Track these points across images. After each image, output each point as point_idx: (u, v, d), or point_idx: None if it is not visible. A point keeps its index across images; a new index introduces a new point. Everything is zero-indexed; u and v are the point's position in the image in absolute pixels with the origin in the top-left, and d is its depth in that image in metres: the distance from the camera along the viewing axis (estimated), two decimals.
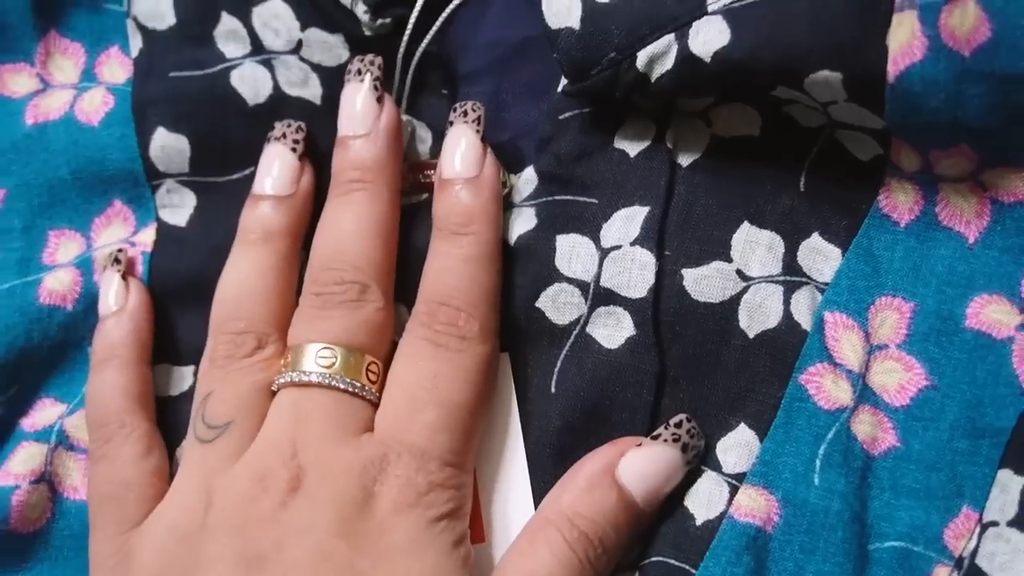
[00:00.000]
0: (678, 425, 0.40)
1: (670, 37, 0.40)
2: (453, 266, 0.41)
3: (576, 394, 0.42)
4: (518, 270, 0.45)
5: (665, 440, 0.40)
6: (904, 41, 0.37)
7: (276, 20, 0.49)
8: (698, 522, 0.42)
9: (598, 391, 0.41)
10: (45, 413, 0.47)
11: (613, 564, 0.40)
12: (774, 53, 0.39)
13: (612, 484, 0.40)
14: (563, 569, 0.38)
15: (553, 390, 0.43)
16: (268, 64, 0.48)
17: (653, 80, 0.41)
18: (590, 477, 0.40)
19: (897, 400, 0.41)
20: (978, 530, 0.39)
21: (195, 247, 0.48)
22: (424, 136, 0.49)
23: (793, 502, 0.41)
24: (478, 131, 0.42)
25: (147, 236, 0.48)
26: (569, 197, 0.45)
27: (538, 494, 0.44)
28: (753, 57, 0.39)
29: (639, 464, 0.40)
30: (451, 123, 0.43)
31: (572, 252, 0.44)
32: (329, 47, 0.49)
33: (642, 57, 0.40)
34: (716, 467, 0.42)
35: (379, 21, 0.47)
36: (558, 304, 0.44)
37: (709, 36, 0.39)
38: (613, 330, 0.43)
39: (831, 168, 0.43)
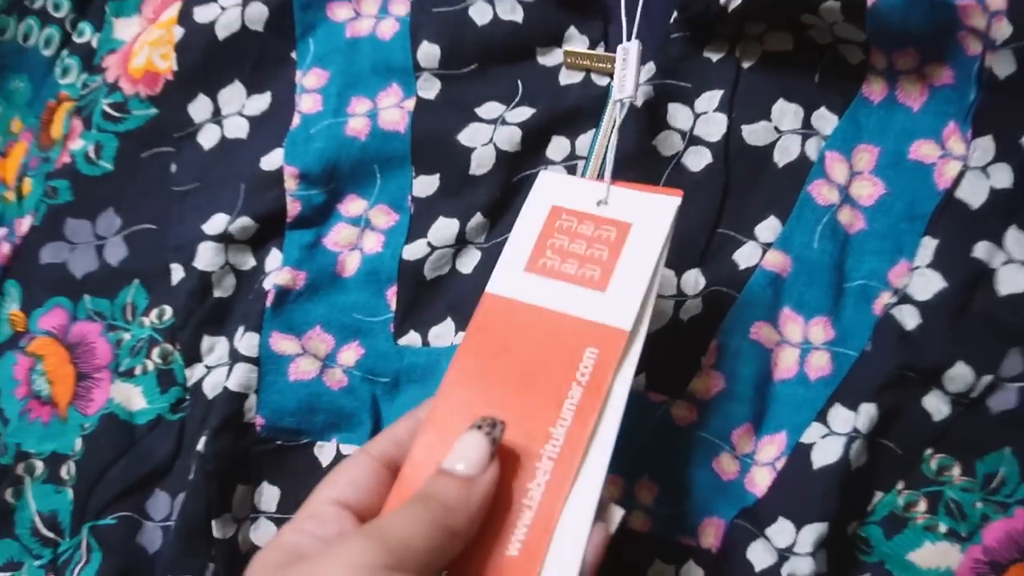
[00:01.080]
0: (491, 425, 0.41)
1: None
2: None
3: None
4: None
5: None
6: None
7: None
8: (740, 268, 0.53)
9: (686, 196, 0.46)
10: (354, 205, 0.57)
11: None
12: None
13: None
14: None
15: None
16: (490, 1, 0.57)
17: (730, 11, 0.51)
18: None
19: (866, 202, 0.53)
20: (909, 272, 0.51)
21: (440, 111, 0.57)
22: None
23: (800, 259, 0.52)
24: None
25: (410, 103, 0.57)
26: (674, 82, 0.55)
27: None
28: None
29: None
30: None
31: (676, 112, 0.54)
32: None
33: None
34: (753, 239, 0.53)
35: None
36: (663, 144, 0.54)
37: None
38: (699, 158, 0.54)
39: (834, 69, 0.54)
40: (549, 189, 0.49)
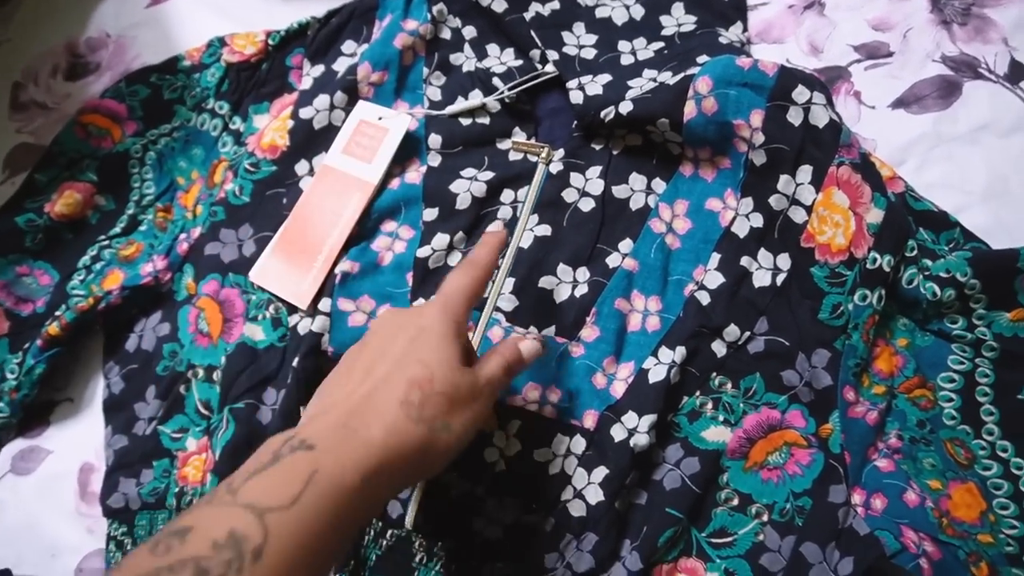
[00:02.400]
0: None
1: (613, 108, 0.47)
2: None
3: None
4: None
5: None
6: (688, 110, 0.45)
7: None
8: (610, 267, 0.48)
9: None
10: (388, 226, 0.52)
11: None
12: (645, 113, 0.47)
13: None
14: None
15: None
16: (471, 115, 0.52)
17: (606, 122, 0.48)
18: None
19: (681, 232, 0.48)
20: (704, 272, 0.47)
21: (440, 173, 0.52)
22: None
23: (643, 263, 0.48)
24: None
25: (424, 168, 0.52)
26: (574, 159, 0.50)
27: None
28: (639, 113, 0.47)
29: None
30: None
31: (574, 178, 0.50)
32: None
33: (601, 114, 0.48)
34: (617, 250, 0.49)
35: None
36: (567, 195, 0.49)
37: (627, 107, 0.47)
38: (587, 204, 0.49)
39: (665, 156, 0.49)
40: (360, 111, 0.52)
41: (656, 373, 0.44)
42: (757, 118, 0.45)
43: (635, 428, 0.43)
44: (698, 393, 0.45)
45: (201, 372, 0.50)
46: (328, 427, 0.30)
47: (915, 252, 0.43)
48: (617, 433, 0.43)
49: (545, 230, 0.49)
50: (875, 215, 0.42)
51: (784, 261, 0.46)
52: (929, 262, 0.43)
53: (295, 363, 0.46)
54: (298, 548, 0.26)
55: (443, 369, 0.33)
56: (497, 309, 0.47)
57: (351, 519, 0.29)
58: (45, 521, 0.49)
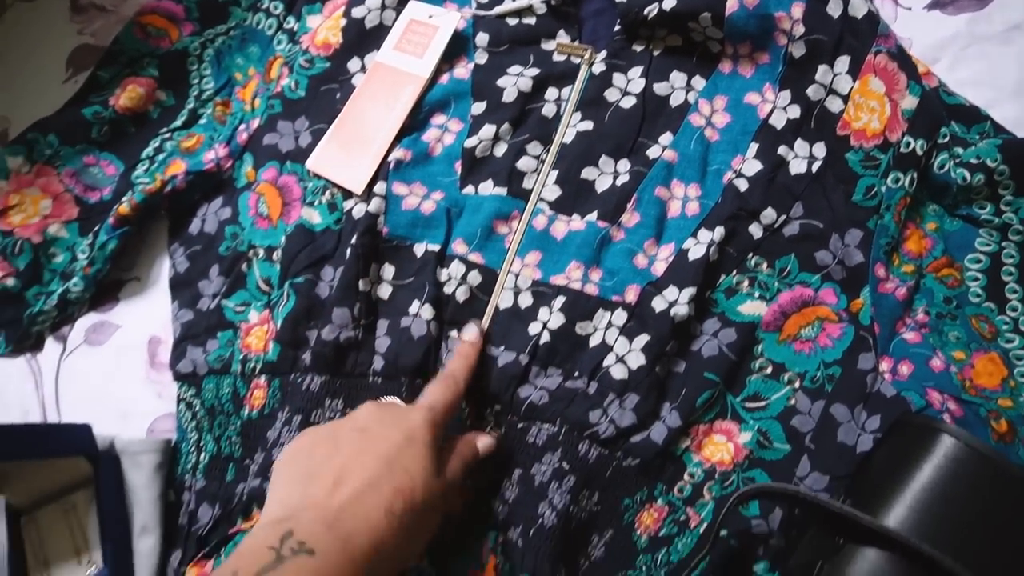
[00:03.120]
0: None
1: (656, 4, 0.48)
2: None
3: None
4: None
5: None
6: (730, 4, 0.46)
7: None
8: (650, 158, 0.49)
9: None
10: (438, 118, 0.52)
11: None
12: (688, 8, 0.48)
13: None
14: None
15: None
16: (518, 15, 0.53)
17: (649, 20, 0.49)
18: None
19: (720, 125, 0.49)
20: (743, 161, 0.48)
21: (487, 70, 0.53)
22: None
23: (683, 154, 0.49)
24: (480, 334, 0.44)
25: (471, 65, 0.53)
26: (616, 60, 0.51)
27: None
28: (682, 9, 0.48)
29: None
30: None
31: (616, 78, 0.51)
32: None
33: (645, 11, 0.48)
34: (657, 143, 0.50)
35: None
36: (609, 94, 0.50)
37: (670, 3, 0.48)
38: (629, 101, 0.50)
39: (705, 54, 0.50)
40: (411, 11, 0.54)
41: (695, 252, 0.46)
42: (798, 10, 0.46)
43: (675, 300, 0.45)
44: (735, 272, 0.46)
45: (262, 252, 0.51)
46: (320, 529, 0.30)
47: (947, 139, 0.44)
48: (658, 304, 0.45)
49: (587, 126, 0.50)
50: (910, 101, 0.44)
51: (820, 150, 0.47)
52: (960, 149, 0.44)
53: (353, 240, 0.48)
54: None
55: (425, 480, 0.34)
56: (541, 199, 0.48)
57: None
58: (118, 388, 0.52)
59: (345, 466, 0.33)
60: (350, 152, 0.51)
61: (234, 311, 0.51)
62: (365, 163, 0.51)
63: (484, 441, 0.41)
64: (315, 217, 0.51)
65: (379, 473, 0.33)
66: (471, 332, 0.44)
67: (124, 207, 0.52)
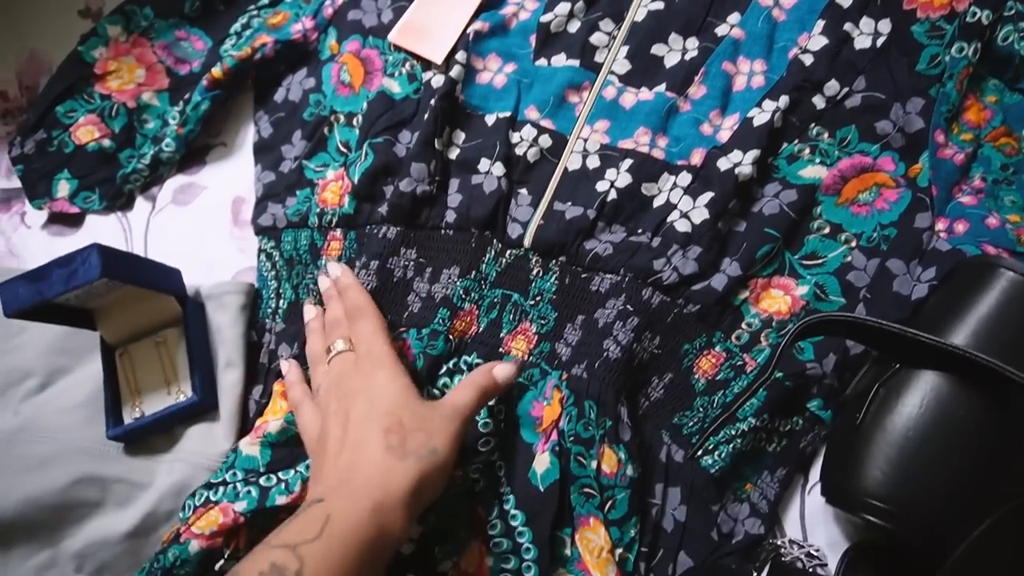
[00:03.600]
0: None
1: None
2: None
3: None
4: None
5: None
6: None
7: None
8: (719, 35, 0.51)
9: None
10: None
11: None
12: None
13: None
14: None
15: None
16: None
17: None
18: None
19: (787, 6, 0.51)
20: (808, 38, 0.50)
21: None
22: None
23: (750, 32, 0.50)
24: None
25: None
26: None
27: None
28: None
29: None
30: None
31: None
32: None
33: None
34: (726, 22, 0.51)
35: None
36: None
37: None
38: None
39: None
40: None
41: (760, 119, 0.47)
42: None
43: (740, 161, 0.46)
44: (796, 141, 0.47)
45: (342, 118, 0.53)
46: (329, 489, 0.33)
47: (1012, 12, 0.45)
48: (723, 164, 0.46)
49: (658, 5, 0.51)
50: None
51: (885, 26, 0.48)
52: None
53: (432, 101, 0.50)
54: (330, 571, 0.29)
55: (407, 410, 0.36)
56: (612, 72, 0.50)
57: (374, 550, 0.31)
58: (203, 244, 0.54)
59: (335, 443, 0.36)
60: (431, 25, 0.53)
61: (314, 171, 0.53)
62: (446, 35, 0.53)
63: (502, 369, 0.41)
64: (395, 87, 0.52)
65: (362, 432, 0.35)
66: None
67: (216, 71, 0.54)
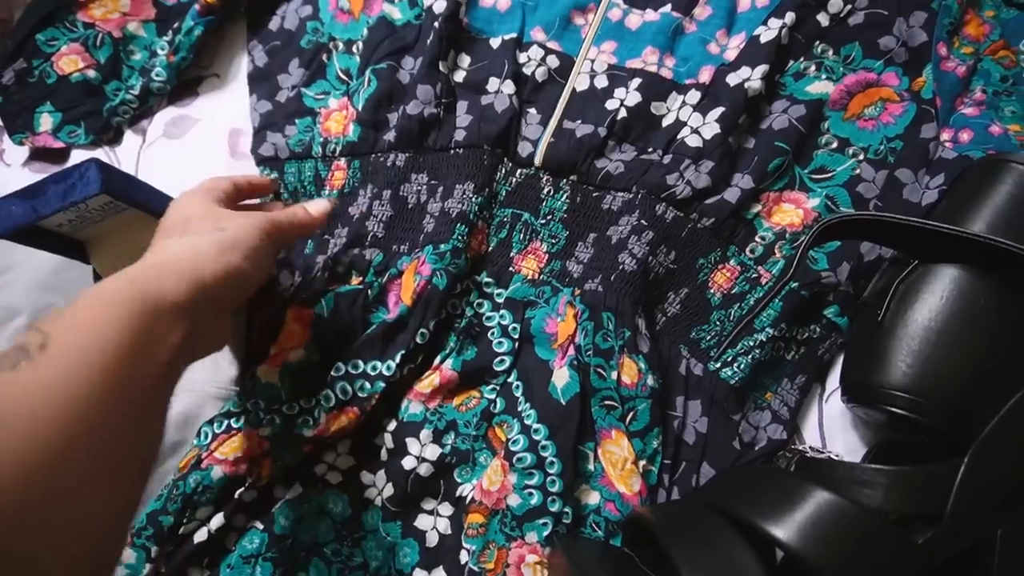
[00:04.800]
0: None
1: None
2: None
3: None
4: None
5: None
6: None
7: None
8: None
9: None
10: None
11: None
12: None
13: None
14: None
15: None
16: None
17: None
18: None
19: None
20: None
21: None
22: None
23: None
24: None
25: None
26: None
27: None
28: None
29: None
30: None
31: None
32: None
33: None
34: None
35: None
36: None
37: None
38: None
39: None
40: None
41: (767, 36, 0.47)
42: None
43: (749, 77, 0.45)
44: (802, 58, 0.47)
45: (341, 44, 0.51)
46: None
47: None
48: (732, 80, 0.46)
49: None
50: None
51: None
52: None
53: (435, 24, 0.48)
54: (78, 345, 0.24)
55: (198, 213, 0.34)
56: None
57: (133, 318, 0.27)
58: (198, 177, 0.50)
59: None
60: None
61: (314, 99, 0.51)
62: None
63: (316, 204, 0.40)
64: (396, 12, 0.51)
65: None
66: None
67: None
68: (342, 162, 0.48)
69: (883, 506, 0.31)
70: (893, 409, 0.35)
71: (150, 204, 0.45)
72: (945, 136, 0.44)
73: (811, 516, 0.30)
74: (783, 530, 0.30)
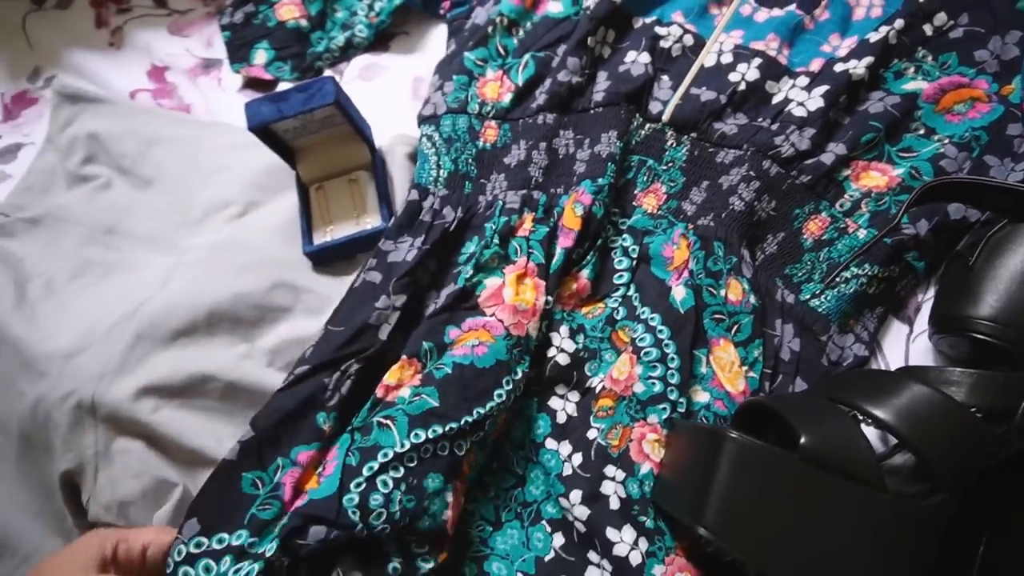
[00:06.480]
0: None
1: None
2: None
3: None
4: None
5: None
6: None
7: None
8: None
9: None
10: None
11: None
12: None
13: None
14: None
15: None
16: None
17: None
18: None
19: None
20: None
21: None
22: None
23: None
24: None
25: None
26: None
27: None
28: None
29: None
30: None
31: None
32: None
33: None
34: None
35: None
36: None
37: None
38: None
39: None
40: None
41: (876, 36, 0.50)
42: None
43: (855, 65, 0.48)
44: (905, 59, 0.50)
45: (506, 21, 0.54)
46: None
47: None
48: (839, 67, 0.49)
49: None
50: None
51: None
52: None
53: (588, 12, 0.52)
54: None
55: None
56: None
57: None
58: (384, 113, 0.56)
59: None
60: None
61: (474, 63, 0.54)
62: None
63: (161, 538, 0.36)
64: (558, 7, 0.54)
65: None
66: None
67: None
68: (493, 123, 0.52)
69: (967, 400, 0.33)
70: (980, 335, 0.37)
71: (357, 124, 0.50)
72: None
73: (908, 402, 0.32)
74: (885, 412, 0.32)
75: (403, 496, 0.35)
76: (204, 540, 0.35)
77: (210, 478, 0.37)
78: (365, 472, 0.35)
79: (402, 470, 0.36)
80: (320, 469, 0.37)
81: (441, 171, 0.51)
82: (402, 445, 0.36)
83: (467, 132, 0.52)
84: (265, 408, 0.40)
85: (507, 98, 0.52)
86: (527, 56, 0.52)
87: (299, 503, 0.35)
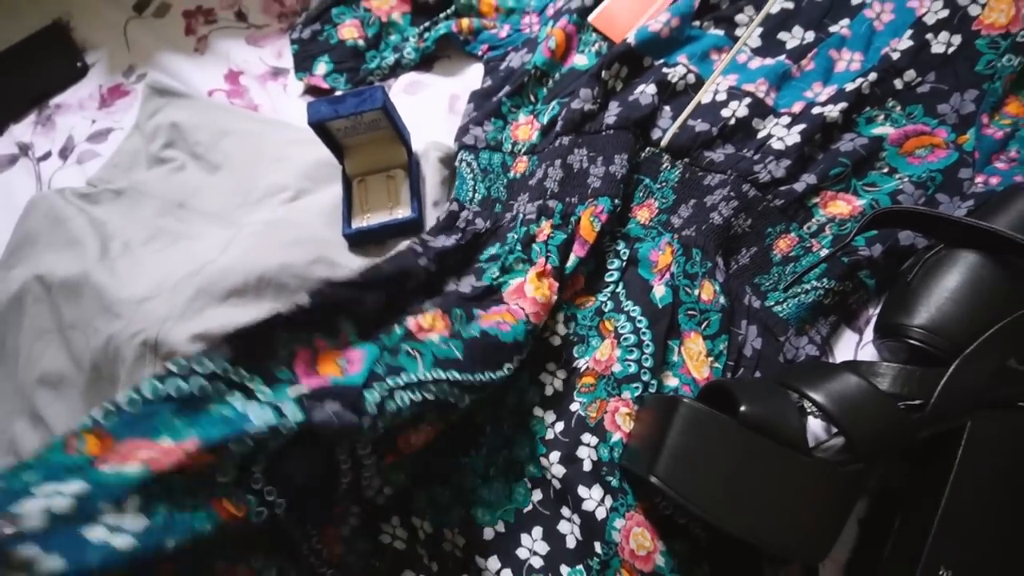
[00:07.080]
0: None
1: None
2: None
3: None
4: None
5: None
6: None
7: None
8: None
9: None
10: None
11: None
12: None
13: None
14: None
15: None
16: None
17: None
18: None
19: None
20: None
21: None
22: None
23: None
24: None
25: None
26: None
27: None
28: None
29: None
30: None
31: None
32: None
33: None
34: None
35: None
36: None
37: None
38: None
39: None
40: None
41: (852, 86, 0.56)
42: None
43: (830, 109, 0.54)
44: (876, 108, 0.55)
45: (538, 72, 0.59)
46: None
47: None
48: (816, 110, 0.55)
49: (790, 5, 0.60)
50: None
51: (956, 39, 0.56)
52: None
53: (605, 61, 0.58)
54: None
55: None
56: (746, 44, 0.58)
57: None
58: (422, 123, 0.61)
59: None
60: (623, 14, 0.61)
61: (509, 108, 0.59)
62: (633, 23, 0.61)
63: None
64: (583, 60, 0.59)
65: None
66: None
67: (465, 23, 0.63)
68: (524, 158, 0.57)
69: (890, 389, 0.38)
70: (914, 341, 0.41)
71: (399, 128, 0.57)
72: (978, 180, 0.51)
73: (839, 388, 0.37)
74: (819, 394, 0.37)
75: (409, 414, 0.38)
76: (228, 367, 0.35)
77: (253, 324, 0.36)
78: (389, 383, 0.38)
79: (419, 395, 0.38)
80: (344, 364, 0.39)
81: (476, 194, 0.56)
82: (424, 375, 0.39)
83: (500, 166, 0.57)
84: (318, 289, 0.40)
85: (535, 136, 0.57)
86: (554, 101, 0.57)
87: (320, 383, 0.36)
